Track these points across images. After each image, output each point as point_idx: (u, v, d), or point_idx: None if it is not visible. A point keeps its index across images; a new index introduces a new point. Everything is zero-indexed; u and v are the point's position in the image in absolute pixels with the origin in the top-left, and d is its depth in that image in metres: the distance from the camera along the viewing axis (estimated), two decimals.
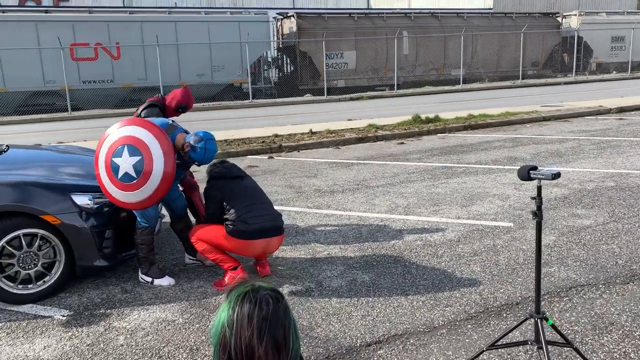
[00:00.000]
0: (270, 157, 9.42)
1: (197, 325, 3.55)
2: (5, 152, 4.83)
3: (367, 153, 9.59)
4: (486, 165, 8.16)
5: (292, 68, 25.05)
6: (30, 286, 3.98)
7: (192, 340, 3.37)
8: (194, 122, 14.99)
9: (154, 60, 20.54)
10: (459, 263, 4.44)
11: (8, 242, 3.87)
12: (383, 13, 25.87)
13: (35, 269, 3.96)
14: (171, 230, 4.77)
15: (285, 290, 4.03)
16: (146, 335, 3.45)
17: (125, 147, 3.90)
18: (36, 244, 3.93)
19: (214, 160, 4.50)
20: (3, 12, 20.64)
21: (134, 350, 3.27)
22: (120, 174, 3.91)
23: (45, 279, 4.03)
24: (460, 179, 7.30)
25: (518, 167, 2.89)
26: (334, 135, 10.88)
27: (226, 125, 14.14)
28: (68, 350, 3.30)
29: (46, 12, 22.67)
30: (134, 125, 3.94)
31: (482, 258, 4.53)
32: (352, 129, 11.72)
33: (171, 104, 5.01)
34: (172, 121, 4.21)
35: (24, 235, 3.91)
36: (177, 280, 4.28)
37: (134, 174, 3.87)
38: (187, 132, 4.13)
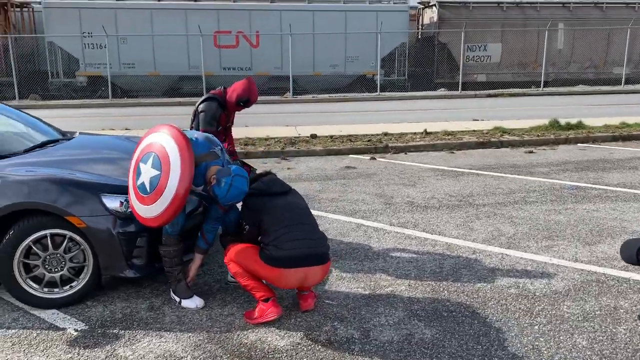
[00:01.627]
0: (372, 158, 8.62)
1: None
2: (57, 142, 4.66)
3: (485, 161, 8.36)
4: (632, 189, 6.57)
5: (428, 60, 23.72)
6: (56, 290, 3.70)
7: None
8: (311, 114, 14.70)
9: (292, 49, 20.58)
10: (558, 330, 3.34)
11: (34, 242, 3.62)
12: (536, 3, 23.35)
13: (61, 272, 3.68)
14: None
15: (321, 336, 3.29)
16: None
17: (152, 156, 3.46)
18: (63, 246, 3.64)
19: (260, 172, 3.88)
20: (159, 1, 22.03)
21: None
22: (139, 181, 3.48)
23: (72, 284, 3.73)
24: (592, 205, 5.90)
25: None
26: (450, 137, 9.75)
27: (343, 119, 13.59)
28: None
29: (195, 0, 23.90)
30: (173, 137, 3.44)
31: (593, 326, 3.38)
32: (473, 131, 10.46)
33: (232, 98, 4.49)
34: (217, 149, 3.64)
35: (52, 235, 3.63)
36: (210, 302, 3.75)
37: (148, 188, 3.43)
38: (225, 166, 3.57)
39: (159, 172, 3.39)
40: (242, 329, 3.40)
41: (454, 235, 5.05)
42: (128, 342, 3.26)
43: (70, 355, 3.13)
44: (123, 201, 3.67)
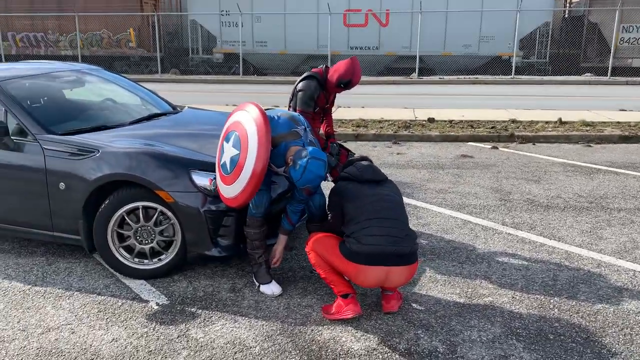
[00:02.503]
0: (494, 148, 7.90)
1: None
2: (164, 115, 4.74)
3: (629, 158, 7.28)
4: None
5: (574, 42, 21.52)
6: (145, 261, 3.77)
7: None
8: (435, 97, 13.97)
9: (421, 28, 19.83)
10: None
11: (128, 213, 3.69)
12: None
13: (151, 245, 3.73)
14: None
15: (401, 344, 2.97)
16: (208, 359, 2.86)
17: (234, 135, 3.34)
18: (154, 219, 3.68)
19: (357, 156, 3.59)
20: None
21: None
22: (222, 160, 3.38)
23: (161, 257, 3.77)
24: None
25: None
26: (589, 128, 8.63)
27: (468, 103, 12.75)
28: (128, 352, 2.92)
29: None
30: (253, 116, 3.28)
31: None
32: (618, 122, 9.18)
33: (332, 78, 4.22)
34: (300, 129, 3.40)
35: (144, 208, 3.68)
36: (290, 290, 3.59)
37: (228, 167, 3.32)
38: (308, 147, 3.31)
39: (239, 152, 3.26)
40: (318, 323, 3.19)
41: (577, 243, 4.38)
42: (202, 323, 3.20)
43: (146, 330, 3.14)
44: (212, 179, 3.61)
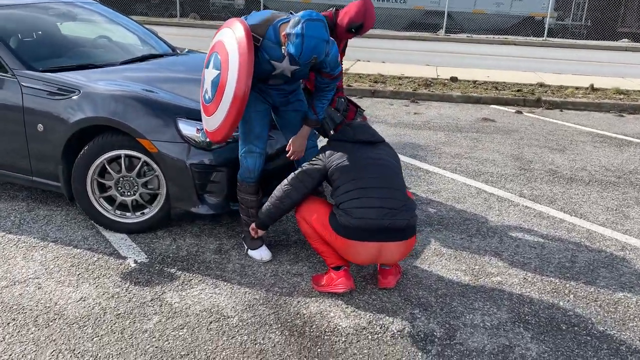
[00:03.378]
0: (518, 112, 7.40)
1: (245, 337, 2.54)
2: (161, 57, 4.38)
3: None
4: None
5: (613, 5, 20.33)
6: (128, 215, 3.50)
7: (220, 358, 2.39)
8: (460, 55, 13.28)
9: None
10: None
11: (109, 162, 3.40)
12: None
13: (132, 197, 3.44)
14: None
15: (394, 324, 2.67)
16: (180, 328, 2.59)
17: (214, 56, 2.97)
18: (136, 169, 3.38)
19: (359, 120, 3.20)
20: None
21: (142, 346, 2.46)
22: (204, 89, 3.05)
23: (144, 211, 3.49)
24: None
25: None
26: (623, 96, 8.05)
27: (494, 63, 12.11)
28: (94, 314, 2.66)
29: None
30: (237, 34, 2.87)
31: None
32: None
33: (342, 22, 3.77)
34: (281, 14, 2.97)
35: (127, 157, 3.38)
36: (280, 256, 3.29)
37: (210, 92, 2.97)
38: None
39: (219, 71, 2.89)
40: (306, 295, 2.90)
41: (601, 221, 3.99)
42: (180, 287, 2.94)
43: (118, 290, 2.88)
44: (200, 128, 3.27)
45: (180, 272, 3.09)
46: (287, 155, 3.20)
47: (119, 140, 3.33)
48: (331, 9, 3.91)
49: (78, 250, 3.27)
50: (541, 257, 3.41)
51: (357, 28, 3.75)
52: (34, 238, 3.40)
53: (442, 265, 3.26)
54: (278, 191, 2.93)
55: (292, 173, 2.93)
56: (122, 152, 3.35)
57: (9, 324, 2.57)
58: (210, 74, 2.96)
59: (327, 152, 2.87)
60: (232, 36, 2.85)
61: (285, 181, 2.92)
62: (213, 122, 2.98)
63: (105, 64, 3.95)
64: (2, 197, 3.98)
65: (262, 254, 3.24)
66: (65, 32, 4.28)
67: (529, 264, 3.33)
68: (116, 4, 20.14)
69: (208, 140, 3.27)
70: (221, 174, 3.32)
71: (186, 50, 4.97)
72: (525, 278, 3.16)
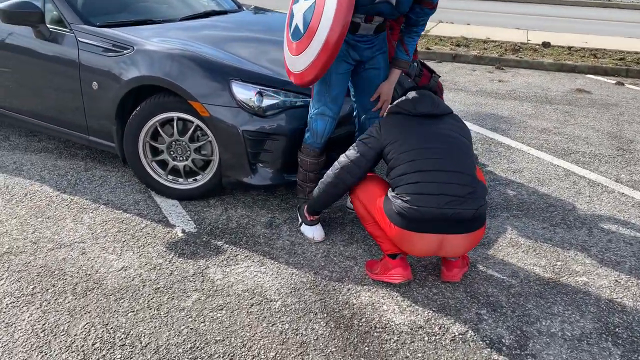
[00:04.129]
0: (619, 84, 6.58)
1: (287, 326, 2.31)
2: (225, 14, 4.12)
3: None
4: None
5: None
6: (180, 180, 3.34)
7: (257, 347, 2.17)
8: (558, 19, 12.09)
9: None
10: None
11: (162, 124, 3.23)
12: None
13: (185, 163, 3.27)
14: None
15: (456, 325, 2.34)
16: (219, 309, 2.40)
17: None
18: (188, 133, 3.19)
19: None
20: None
21: (177, 326, 2.28)
22: (292, 26, 2.69)
23: (197, 177, 3.32)
24: None
25: None
26: None
27: (596, 28, 10.96)
28: (133, 286, 2.53)
29: None
30: None
31: None
32: None
33: None
34: None
35: (180, 120, 3.19)
36: (335, 235, 3.02)
37: (302, 27, 2.59)
38: None
39: (313, 3, 2.52)
40: (357, 282, 2.62)
41: None
42: (225, 262, 2.75)
43: (161, 261, 2.73)
44: (257, 92, 3.01)
45: (227, 245, 2.89)
46: (375, 106, 2.90)
47: (172, 102, 3.14)
48: None
49: (127, 215, 3.16)
50: (638, 256, 2.92)
51: None
52: (87, 199, 3.33)
53: (519, 259, 2.86)
54: (329, 176, 2.63)
55: (344, 155, 2.61)
56: (175, 114, 3.17)
57: (48, 290, 2.48)
58: (302, 5, 2.59)
59: (383, 128, 2.51)
60: None
61: (337, 164, 2.61)
62: (298, 63, 2.63)
63: (166, 20, 3.76)
64: (63, 154, 3.96)
65: (314, 232, 2.98)
66: None
67: (623, 263, 2.85)
68: None
69: (265, 105, 3.02)
70: (276, 143, 3.07)
71: (252, 7, 4.70)
72: (617, 280, 2.70)
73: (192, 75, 3.04)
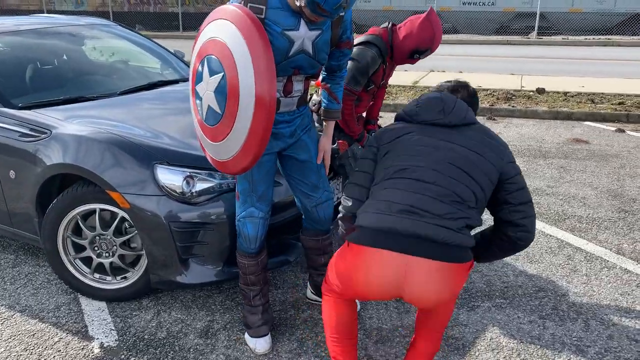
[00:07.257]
0: (620, 130, 6.11)
1: None
2: (176, 83, 3.78)
3: None
4: None
5: None
6: (108, 279, 2.91)
7: None
8: (553, 61, 11.77)
9: None
10: None
11: (83, 217, 2.83)
12: None
13: (111, 259, 2.84)
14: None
15: None
16: None
17: (206, 63, 2.16)
18: (112, 227, 2.78)
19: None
20: None
21: None
22: (204, 111, 2.23)
23: (127, 275, 2.89)
24: None
25: None
26: None
27: (593, 69, 10.61)
28: None
29: None
30: (211, 19, 2.19)
31: None
32: None
33: (403, 45, 2.88)
34: None
35: (104, 211, 2.79)
36: (279, 343, 2.53)
37: (217, 108, 2.15)
38: None
39: (223, 73, 2.10)
40: None
41: None
42: None
43: None
44: (187, 176, 2.60)
45: (155, 357, 2.43)
46: (317, 160, 2.50)
47: (92, 192, 2.74)
48: (385, 24, 3.01)
49: (42, 325, 2.72)
50: None
51: (422, 53, 2.89)
52: (2, 306, 2.89)
53: (509, 339, 2.35)
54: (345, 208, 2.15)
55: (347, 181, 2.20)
56: (97, 205, 2.76)
57: None
58: (208, 84, 2.17)
59: (378, 138, 2.10)
60: (225, 25, 2.10)
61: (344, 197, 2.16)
62: (228, 146, 2.19)
63: (103, 95, 3.42)
64: None
65: (261, 343, 2.48)
66: (65, 59, 3.81)
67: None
68: (195, 19, 20.60)
69: (193, 190, 2.61)
70: (211, 233, 2.64)
71: None
72: None
73: (110, 161, 2.65)
